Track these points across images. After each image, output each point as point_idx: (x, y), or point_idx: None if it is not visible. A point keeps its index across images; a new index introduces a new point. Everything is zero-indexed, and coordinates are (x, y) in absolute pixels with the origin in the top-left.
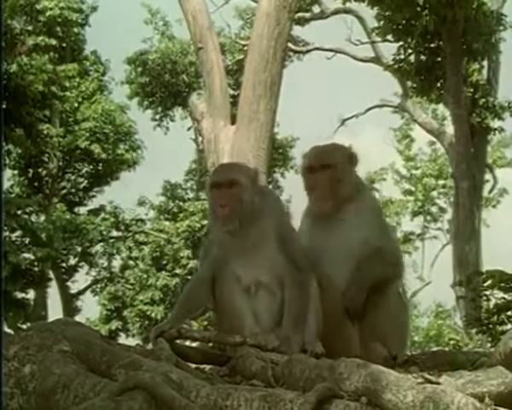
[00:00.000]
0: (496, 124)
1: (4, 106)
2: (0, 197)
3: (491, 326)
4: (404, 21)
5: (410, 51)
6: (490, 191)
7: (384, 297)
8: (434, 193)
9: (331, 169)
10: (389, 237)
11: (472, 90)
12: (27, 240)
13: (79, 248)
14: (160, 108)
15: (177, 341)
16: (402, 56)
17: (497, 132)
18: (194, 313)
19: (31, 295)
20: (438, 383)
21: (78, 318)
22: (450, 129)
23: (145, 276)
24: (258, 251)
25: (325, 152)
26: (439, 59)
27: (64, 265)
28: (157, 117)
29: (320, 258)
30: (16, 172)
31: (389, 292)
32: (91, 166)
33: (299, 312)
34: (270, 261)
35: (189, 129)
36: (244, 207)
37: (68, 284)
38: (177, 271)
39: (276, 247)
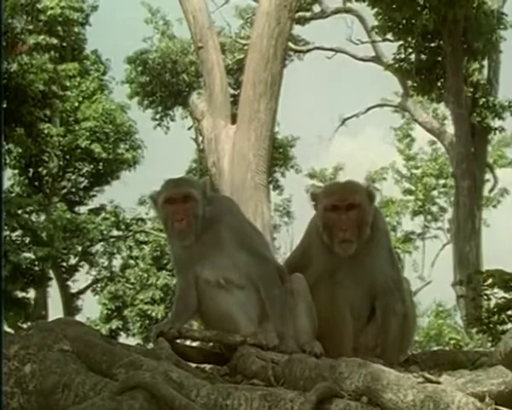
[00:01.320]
0: (496, 123)
1: (5, 105)
2: (0, 197)
3: (491, 326)
4: (404, 21)
5: (410, 50)
6: (490, 191)
7: (391, 307)
8: (435, 192)
9: (356, 209)
10: (398, 272)
11: (472, 89)
12: (28, 239)
13: (80, 248)
14: (160, 108)
15: (178, 340)
16: (402, 56)
17: (497, 132)
18: (192, 313)
19: (31, 294)
20: (438, 383)
21: (78, 317)
22: (450, 128)
23: (145, 275)
24: (218, 253)
25: (350, 191)
26: (440, 58)
27: (64, 264)
28: (157, 116)
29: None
30: (16, 171)
31: (397, 302)
32: (92, 166)
33: (281, 303)
34: (233, 259)
35: (189, 128)
36: (198, 220)
37: (69, 283)
38: None
39: (235, 245)
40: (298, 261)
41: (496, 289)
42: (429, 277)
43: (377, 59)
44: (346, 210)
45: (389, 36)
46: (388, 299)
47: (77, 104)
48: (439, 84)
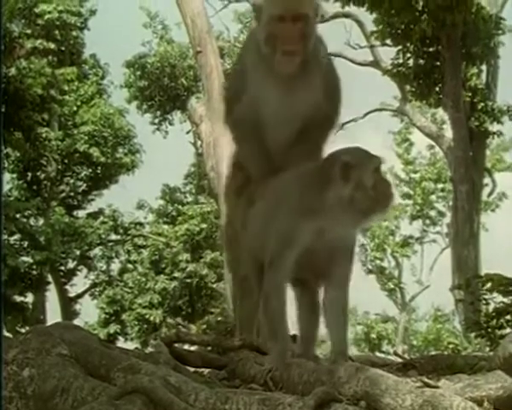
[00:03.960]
0: (494, 128)
1: (3, 109)
2: (0, 201)
3: (490, 330)
4: (402, 26)
5: (408, 55)
6: (489, 195)
7: None
8: (433, 197)
9: (303, 21)
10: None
11: (471, 94)
12: (26, 243)
13: (78, 252)
14: (158, 112)
15: (176, 344)
16: (401, 60)
17: (495, 136)
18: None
19: (29, 298)
20: (437, 387)
21: (76, 321)
22: (448, 133)
23: (144, 279)
24: None
25: (295, 1)
26: (438, 63)
27: (63, 268)
28: (156, 121)
29: (265, 118)
30: (15, 175)
31: None
32: (90, 170)
33: None
34: None
35: (187, 132)
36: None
37: (67, 287)
38: (176, 274)
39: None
40: (234, 90)
41: (494, 294)
42: (428, 281)
43: (376, 63)
44: (293, 21)
45: (388, 41)
46: None
47: (75, 108)
48: (437, 88)
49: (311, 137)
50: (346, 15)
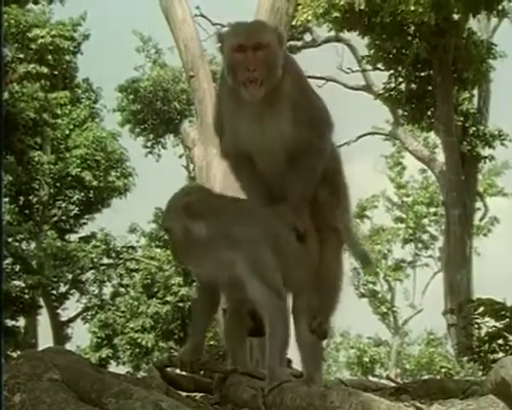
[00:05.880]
0: (486, 152)
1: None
2: (1, 221)
3: (482, 354)
4: (394, 50)
5: (400, 80)
6: (481, 219)
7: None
8: (425, 220)
9: (264, 50)
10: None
11: (462, 118)
12: (18, 267)
13: (70, 276)
14: (151, 136)
15: (168, 369)
16: (393, 85)
17: (487, 160)
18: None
19: (21, 322)
20: None
21: (68, 345)
22: (440, 157)
23: (136, 303)
24: None
25: (257, 30)
26: (430, 87)
27: (54, 292)
28: (149, 144)
29: (251, 150)
30: (7, 199)
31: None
32: (82, 194)
33: None
34: None
35: (180, 156)
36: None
37: (59, 311)
38: (169, 298)
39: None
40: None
41: (486, 318)
42: (420, 305)
43: (368, 88)
44: (253, 50)
45: (380, 65)
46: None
47: (68, 132)
48: (429, 112)
49: (301, 164)
50: (339, 40)
